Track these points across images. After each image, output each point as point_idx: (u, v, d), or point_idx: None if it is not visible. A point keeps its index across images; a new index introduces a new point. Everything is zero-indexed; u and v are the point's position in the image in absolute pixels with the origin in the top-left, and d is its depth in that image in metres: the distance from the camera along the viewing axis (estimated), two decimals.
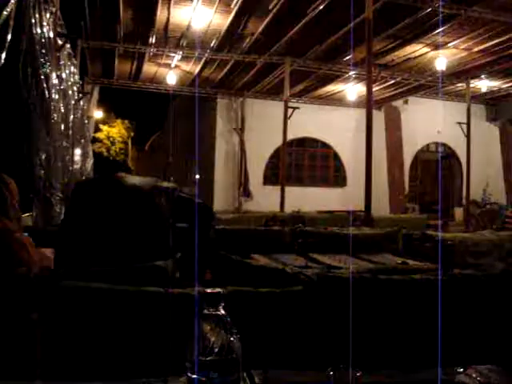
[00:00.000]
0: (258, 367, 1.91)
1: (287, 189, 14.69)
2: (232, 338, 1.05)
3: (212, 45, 12.76)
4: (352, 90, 16.48)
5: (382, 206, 17.53)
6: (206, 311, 1.03)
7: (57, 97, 7.27)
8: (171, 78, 15.09)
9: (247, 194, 17.97)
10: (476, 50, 12.76)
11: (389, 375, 1.77)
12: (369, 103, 8.42)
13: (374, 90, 15.90)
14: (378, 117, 18.77)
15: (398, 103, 19.13)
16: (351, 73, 14.64)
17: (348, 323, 2.34)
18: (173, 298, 2.07)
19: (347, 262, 4.59)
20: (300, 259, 4.85)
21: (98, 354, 2.05)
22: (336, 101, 18.69)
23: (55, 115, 7.04)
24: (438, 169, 19.89)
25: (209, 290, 1.05)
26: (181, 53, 13.36)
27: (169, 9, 10.64)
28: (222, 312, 1.06)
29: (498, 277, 2.58)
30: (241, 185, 18.12)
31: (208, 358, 1.00)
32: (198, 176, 18.62)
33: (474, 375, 1.63)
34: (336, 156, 19.61)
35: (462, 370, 1.68)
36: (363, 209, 9.24)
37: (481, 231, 7.03)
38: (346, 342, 2.32)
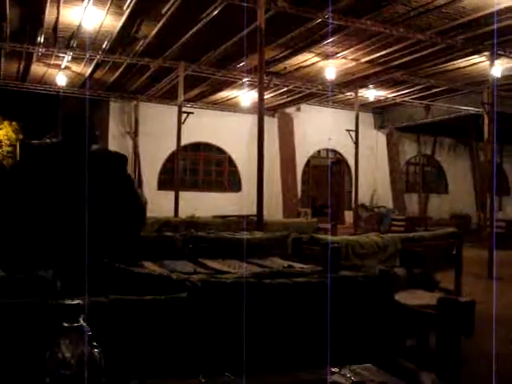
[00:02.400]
0: (140, 377, 1.88)
1: (182, 194, 14.61)
2: (92, 350, 1.02)
3: (104, 46, 12.46)
4: (246, 96, 16.70)
5: (275, 211, 17.88)
6: (65, 324, 1.00)
7: None
8: (61, 80, 14.59)
9: None
10: (364, 60, 13.34)
11: (268, 378, 1.79)
12: (260, 109, 8.55)
13: (267, 96, 16.23)
14: (272, 123, 19.18)
15: (291, 110, 19.63)
16: (245, 79, 14.83)
17: (233, 328, 2.35)
18: (38, 310, 1.99)
19: (236, 266, 4.62)
20: (190, 265, 4.83)
21: None
22: (231, 106, 18.87)
23: None
24: (329, 174, 20.55)
25: (68, 302, 1.02)
26: (71, 53, 12.94)
27: (58, 8, 10.27)
28: (83, 324, 1.03)
29: (376, 278, 2.69)
30: None
31: (67, 372, 0.97)
32: None
33: (348, 374, 1.70)
34: (231, 161, 19.78)
35: (337, 369, 1.75)
36: None
37: (367, 234, 7.32)
38: (231, 347, 2.34)
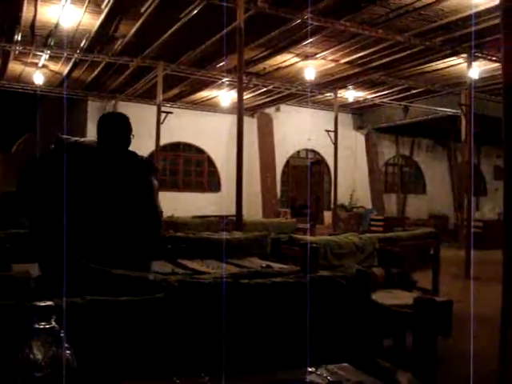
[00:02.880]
0: (115, 378, 1.87)
1: (161, 194, 14.42)
2: (64, 352, 1.01)
3: (82, 45, 12.35)
4: (225, 96, 16.69)
5: (255, 211, 17.89)
6: (36, 325, 0.99)
7: None
8: (38, 78, 14.42)
9: None
10: (343, 61, 13.40)
11: (245, 378, 1.79)
12: (240, 110, 8.54)
13: (246, 97, 16.22)
14: (252, 123, 19.19)
15: (271, 110, 19.67)
16: (224, 79, 14.82)
17: (211, 329, 2.35)
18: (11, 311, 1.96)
19: (214, 266, 4.62)
20: (168, 265, 4.81)
21: None
22: (210, 106, 18.84)
23: None
24: (309, 174, 20.63)
25: (39, 304, 1.00)
26: (49, 52, 12.80)
27: (35, 6, 10.15)
28: (54, 325, 1.02)
29: (353, 278, 2.70)
30: None
31: (39, 374, 0.95)
32: None
33: (324, 374, 1.70)
34: (210, 161, 19.74)
35: (313, 369, 1.75)
36: None
37: (345, 234, 7.36)
38: (209, 347, 2.33)
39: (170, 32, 11.22)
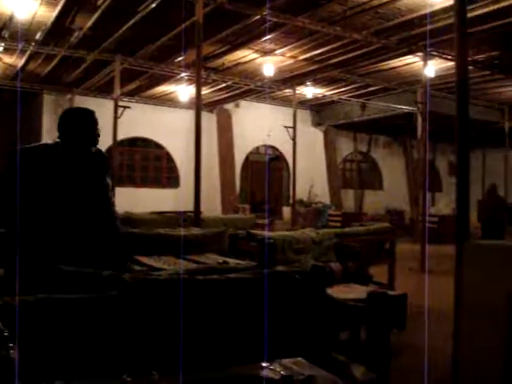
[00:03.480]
0: (66, 377, 1.84)
1: (119, 190, 14.33)
2: (7, 352, 0.99)
3: (37, 37, 12.08)
4: (184, 91, 16.57)
5: (214, 207, 17.84)
6: None
7: None
8: None
9: None
10: (301, 58, 13.46)
11: (200, 374, 1.78)
12: (198, 105, 8.50)
13: (205, 92, 16.17)
14: (211, 119, 19.14)
15: (230, 106, 19.64)
16: (183, 74, 14.71)
17: (166, 325, 2.33)
18: None
19: (171, 263, 4.59)
20: None
21: None
22: (169, 101, 18.70)
23: None
24: (267, 170, 20.69)
25: None
26: (3, 44, 12.48)
27: None
28: None
29: (308, 273, 2.72)
30: None
31: None
32: None
33: (278, 369, 1.71)
34: (169, 157, 19.59)
35: (267, 364, 1.76)
36: None
37: (303, 229, 7.41)
38: (164, 344, 2.31)
39: (127, 25, 11.06)
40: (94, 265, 2.90)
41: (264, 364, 1.74)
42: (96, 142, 3.48)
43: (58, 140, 3.41)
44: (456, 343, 4.28)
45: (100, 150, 3.57)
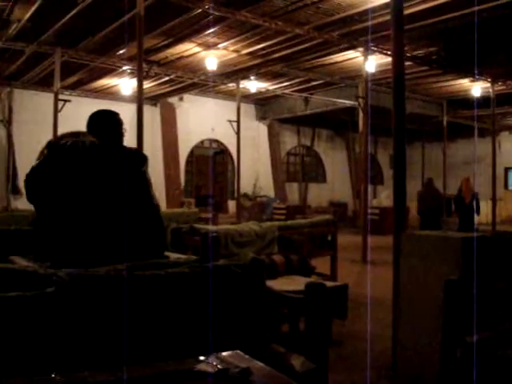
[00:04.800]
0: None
1: None
2: None
3: None
4: (127, 84, 16.33)
5: (158, 201, 17.67)
6: None
7: None
8: None
9: (16, 190, 16.82)
10: (244, 52, 13.47)
11: (133, 370, 1.77)
12: (140, 98, 8.42)
13: (148, 86, 16.00)
14: (154, 112, 18.95)
15: (174, 100, 19.48)
16: (125, 67, 14.50)
17: (104, 322, 2.31)
18: None
19: None
20: None
21: None
22: (111, 95, 18.37)
23: None
24: (212, 164, 20.67)
25: None
26: None
27: None
28: None
29: (248, 266, 2.75)
30: (9, 181, 16.92)
31: None
32: None
33: (214, 362, 1.72)
34: None
35: (204, 358, 1.77)
36: None
37: (246, 222, 7.46)
38: (102, 341, 2.30)
39: (67, 17, 10.78)
40: (135, 254, 3.04)
41: (201, 358, 1.75)
42: (121, 140, 3.70)
43: (92, 138, 3.60)
44: (395, 330, 4.42)
45: (138, 149, 3.99)
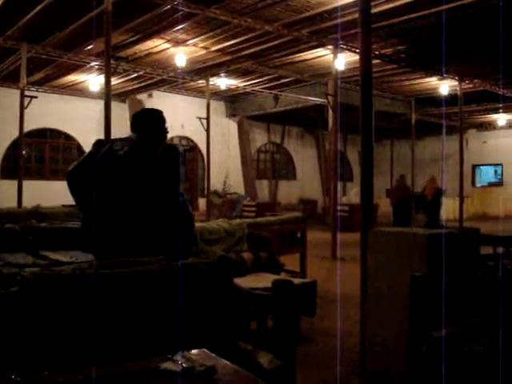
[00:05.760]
0: None
1: (27, 183, 13.82)
2: None
3: None
4: (95, 81, 16.16)
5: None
6: None
7: None
8: None
9: None
10: (214, 49, 13.42)
11: (96, 370, 1.74)
12: (107, 95, 8.32)
13: (116, 82, 15.84)
14: (123, 109, 18.75)
15: (143, 96, 19.32)
16: (93, 63, 14.33)
17: (69, 322, 2.28)
18: None
19: (78, 257, 4.49)
20: (29, 257, 4.61)
21: None
22: (79, 91, 18.17)
23: None
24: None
25: None
26: None
27: None
28: None
29: (215, 264, 2.74)
30: None
31: None
32: None
33: (180, 361, 1.71)
34: (80, 148, 19.04)
35: (169, 356, 1.75)
36: None
37: (216, 220, 7.44)
38: (65, 341, 2.27)
39: (34, 12, 10.61)
40: (161, 249, 3.08)
41: (167, 356, 1.74)
42: (164, 137, 3.88)
43: (131, 136, 3.77)
44: (363, 326, 4.45)
45: (171, 145, 4.09)
